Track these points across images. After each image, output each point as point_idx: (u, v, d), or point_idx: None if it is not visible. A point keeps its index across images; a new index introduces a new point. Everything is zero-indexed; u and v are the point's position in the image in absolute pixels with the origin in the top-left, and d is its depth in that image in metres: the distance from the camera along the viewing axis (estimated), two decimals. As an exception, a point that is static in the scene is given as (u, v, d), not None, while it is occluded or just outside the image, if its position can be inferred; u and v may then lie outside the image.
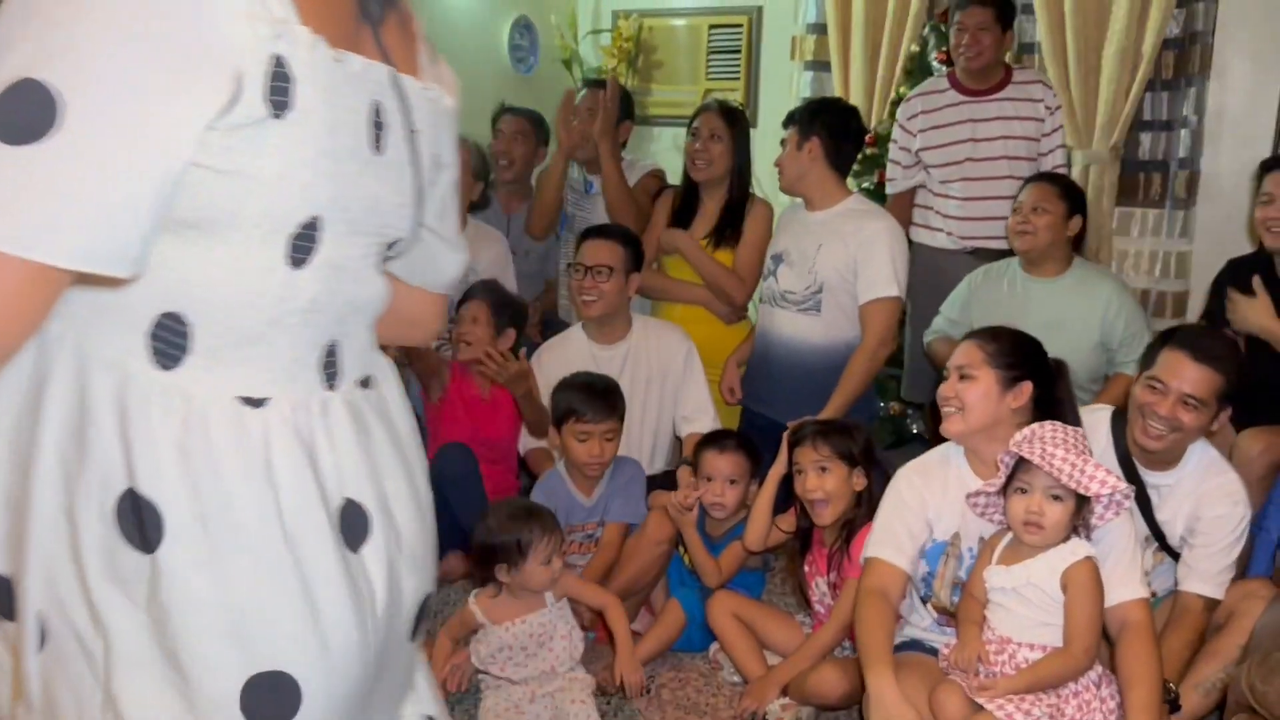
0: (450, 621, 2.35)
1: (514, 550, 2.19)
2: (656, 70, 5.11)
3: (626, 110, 3.51)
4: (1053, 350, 2.21)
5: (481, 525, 2.26)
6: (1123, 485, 1.89)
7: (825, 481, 2.33)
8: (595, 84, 3.58)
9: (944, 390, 2.11)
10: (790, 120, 3.01)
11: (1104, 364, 2.94)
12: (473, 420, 2.95)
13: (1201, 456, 2.25)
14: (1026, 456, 1.92)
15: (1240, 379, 2.19)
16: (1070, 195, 2.95)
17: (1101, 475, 1.88)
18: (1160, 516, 2.27)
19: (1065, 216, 2.91)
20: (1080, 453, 1.91)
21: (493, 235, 3.39)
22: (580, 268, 2.87)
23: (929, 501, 2.12)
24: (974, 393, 2.06)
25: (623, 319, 2.95)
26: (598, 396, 2.59)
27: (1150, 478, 2.27)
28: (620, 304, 2.91)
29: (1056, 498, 1.90)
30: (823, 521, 2.37)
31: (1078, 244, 3.04)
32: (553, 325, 3.50)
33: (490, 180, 3.52)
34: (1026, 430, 1.95)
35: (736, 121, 3.20)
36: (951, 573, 2.13)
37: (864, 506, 2.35)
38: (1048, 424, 1.96)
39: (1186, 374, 2.13)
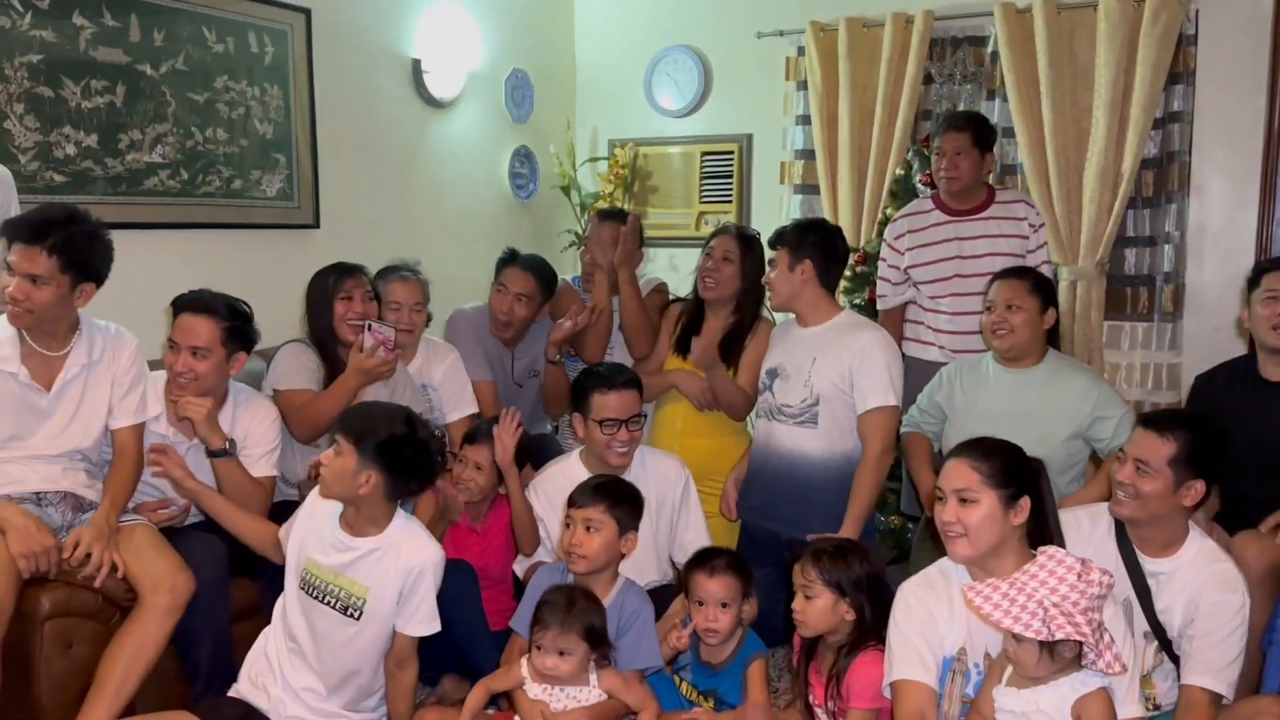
0: (496, 673, 2.48)
1: (534, 625, 2.35)
2: (652, 195, 5.26)
3: (638, 240, 3.60)
4: (1025, 440, 2.23)
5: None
6: (1058, 631, 1.82)
7: (808, 608, 2.32)
8: (609, 215, 3.62)
9: (945, 515, 2.08)
10: (779, 241, 3.06)
11: (1077, 454, 2.93)
12: (460, 551, 2.88)
13: (1200, 546, 2.29)
14: (967, 603, 1.95)
15: (1209, 452, 2.29)
16: (1041, 289, 2.98)
17: (1027, 617, 1.83)
18: (1159, 605, 2.26)
19: (1040, 311, 2.94)
20: (1030, 593, 1.87)
21: (443, 349, 3.40)
22: (614, 422, 2.82)
23: (936, 616, 2.10)
24: (977, 516, 2.04)
25: None
26: (594, 485, 2.54)
27: (1150, 565, 2.28)
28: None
29: (1017, 638, 1.88)
30: (801, 634, 2.38)
31: (1054, 337, 3.06)
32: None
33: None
34: (979, 585, 1.95)
35: (751, 247, 3.24)
36: (959, 689, 2.09)
37: (857, 634, 2.32)
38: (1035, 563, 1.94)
39: (1138, 441, 2.30)
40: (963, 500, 2.06)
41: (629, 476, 2.87)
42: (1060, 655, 1.88)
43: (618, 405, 2.82)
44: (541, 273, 3.53)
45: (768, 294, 3.11)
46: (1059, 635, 1.82)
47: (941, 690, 2.10)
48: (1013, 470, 2.09)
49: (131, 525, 2.56)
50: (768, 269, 3.08)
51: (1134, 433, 2.36)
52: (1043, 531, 2.13)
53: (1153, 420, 2.35)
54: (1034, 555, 2.03)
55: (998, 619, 1.87)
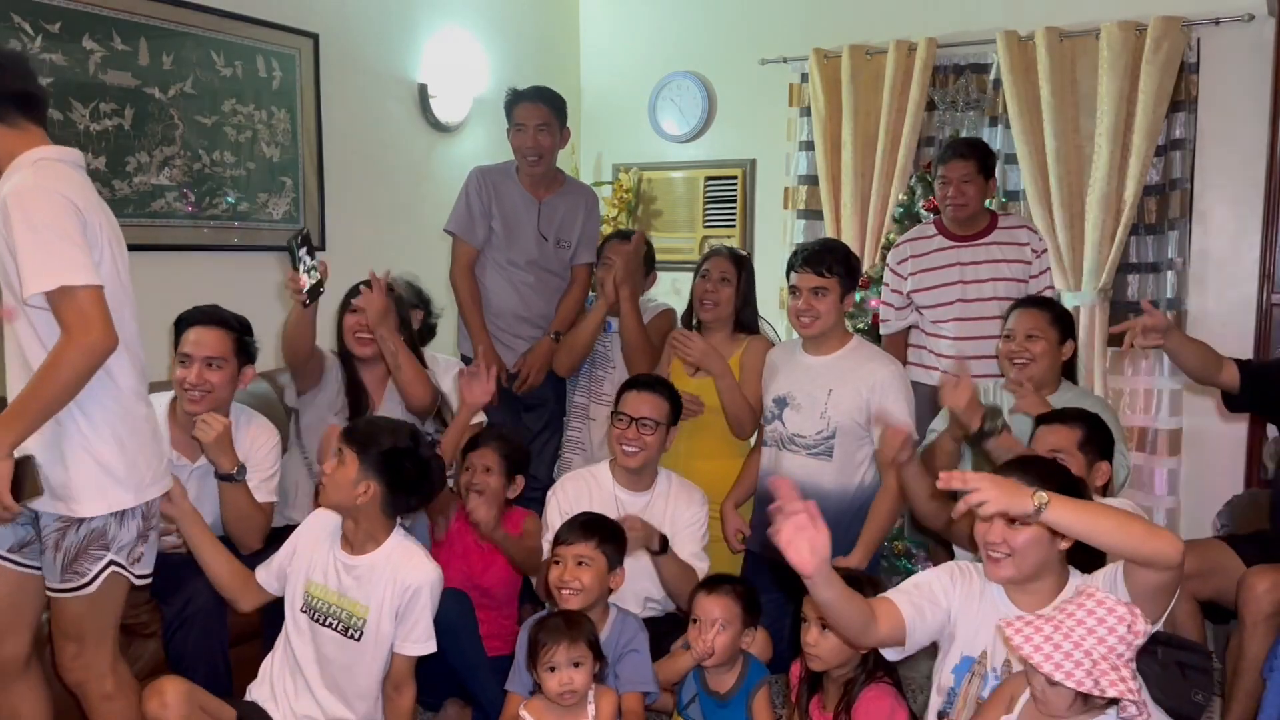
0: None
1: (536, 649, 2.32)
2: (655, 219, 5.29)
3: (649, 263, 3.62)
4: None
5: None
6: (1110, 689, 1.68)
7: (823, 641, 2.29)
8: (619, 235, 3.66)
9: (989, 535, 1.99)
10: (819, 265, 2.94)
11: None
12: (468, 566, 2.90)
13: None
14: (1004, 640, 1.86)
15: (1103, 434, 2.53)
16: (1061, 321, 2.97)
17: (1070, 665, 1.69)
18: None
19: (1059, 342, 2.94)
20: (1077, 641, 1.72)
21: (450, 363, 3.43)
22: (625, 417, 2.86)
23: (956, 606, 2.06)
24: (1024, 538, 1.96)
25: (652, 469, 2.95)
26: (581, 522, 2.55)
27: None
28: (658, 456, 2.94)
29: (1052, 682, 1.75)
30: (812, 668, 2.34)
31: (1071, 370, 3.05)
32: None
33: (430, 310, 3.52)
34: (1019, 621, 1.83)
35: (744, 267, 3.29)
36: (975, 692, 2.05)
37: (868, 666, 2.30)
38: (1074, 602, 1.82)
39: (1046, 436, 2.51)
40: (1012, 520, 1.98)
41: (652, 494, 2.91)
42: (1094, 703, 1.77)
43: (632, 402, 2.86)
44: (549, 97, 3.61)
45: (801, 320, 2.99)
46: (1111, 693, 1.69)
47: (956, 689, 2.07)
48: (1066, 494, 2.04)
49: None
50: (808, 295, 2.95)
51: (1037, 433, 2.53)
52: (1083, 548, 2.06)
53: (1051, 417, 2.56)
54: (1068, 571, 2.01)
55: (1038, 662, 1.73)
